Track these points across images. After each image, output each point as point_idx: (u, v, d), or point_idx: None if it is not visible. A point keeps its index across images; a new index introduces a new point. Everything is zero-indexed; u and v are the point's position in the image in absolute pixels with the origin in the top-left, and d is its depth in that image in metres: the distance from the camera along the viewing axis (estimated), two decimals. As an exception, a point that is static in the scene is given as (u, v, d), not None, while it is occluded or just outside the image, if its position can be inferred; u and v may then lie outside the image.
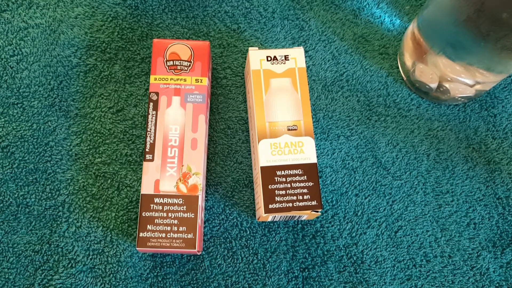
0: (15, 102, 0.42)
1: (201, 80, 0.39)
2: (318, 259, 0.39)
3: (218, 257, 0.39)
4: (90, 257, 0.38)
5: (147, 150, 0.37)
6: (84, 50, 0.43)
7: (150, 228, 0.35)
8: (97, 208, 0.39)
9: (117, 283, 0.38)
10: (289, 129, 0.37)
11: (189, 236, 0.35)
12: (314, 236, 0.40)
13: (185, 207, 0.36)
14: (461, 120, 0.43)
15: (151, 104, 0.38)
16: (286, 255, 0.39)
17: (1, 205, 0.39)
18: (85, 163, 0.40)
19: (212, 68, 0.44)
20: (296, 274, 0.39)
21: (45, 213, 0.39)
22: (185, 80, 0.39)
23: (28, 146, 0.41)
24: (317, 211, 0.36)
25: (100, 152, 0.41)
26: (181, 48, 0.39)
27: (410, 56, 0.42)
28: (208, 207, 0.40)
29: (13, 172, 0.40)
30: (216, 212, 0.40)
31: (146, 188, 0.36)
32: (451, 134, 0.43)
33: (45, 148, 0.41)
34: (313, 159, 0.37)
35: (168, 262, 0.38)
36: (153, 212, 0.36)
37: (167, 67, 0.39)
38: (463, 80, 0.39)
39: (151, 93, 0.38)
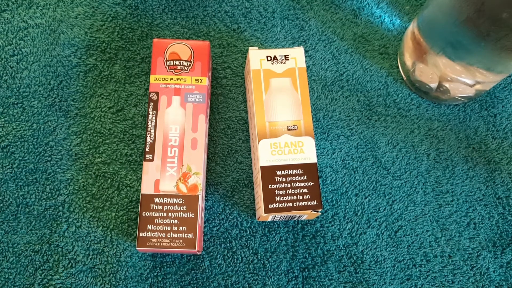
0: (15, 102, 0.42)
1: (201, 80, 0.39)
2: (318, 259, 0.39)
3: (218, 257, 0.39)
4: (90, 257, 0.38)
5: (147, 150, 0.37)
6: (84, 50, 0.43)
7: (150, 228, 0.35)
8: (97, 208, 0.39)
9: (117, 283, 0.38)
10: (289, 129, 0.37)
11: (189, 236, 0.35)
12: (314, 236, 0.40)
13: (185, 207, 0.36)
14: (461, 120, 0.43)
15: (151, 104, 0.38)
16: (286, 255, 0.39)
17: (1, 205, 0.39)
18: (85, 163, 0.40)
19: (212, 68, 0.44)
20: (296, 274, 0.39)
21: (45, 213, 0.39)
22: (185, 80, 0.39)
23: (28, 146, 0.41)
24: (317, 211, 0.36)
25: (100, 152, 0.41)
26: (181, 48, 0.39)
27: (410, 56, 0.42)
28: (208, 207, 0.40)
29: (13, 172, 0.40)
30: (216, 212, 0.40)
31: (146, 188, 0.36)
32: (451, 134, 0.43)
33: (45, 148, 0.41)
34: (313, 159, 0.37)
35: (168, 262, 0.38)
36: (153, 212, 0.36)
37: (167, 67, 0.39)
38: (463, 80, 0.39)
39: (151, 93, 0.38)
